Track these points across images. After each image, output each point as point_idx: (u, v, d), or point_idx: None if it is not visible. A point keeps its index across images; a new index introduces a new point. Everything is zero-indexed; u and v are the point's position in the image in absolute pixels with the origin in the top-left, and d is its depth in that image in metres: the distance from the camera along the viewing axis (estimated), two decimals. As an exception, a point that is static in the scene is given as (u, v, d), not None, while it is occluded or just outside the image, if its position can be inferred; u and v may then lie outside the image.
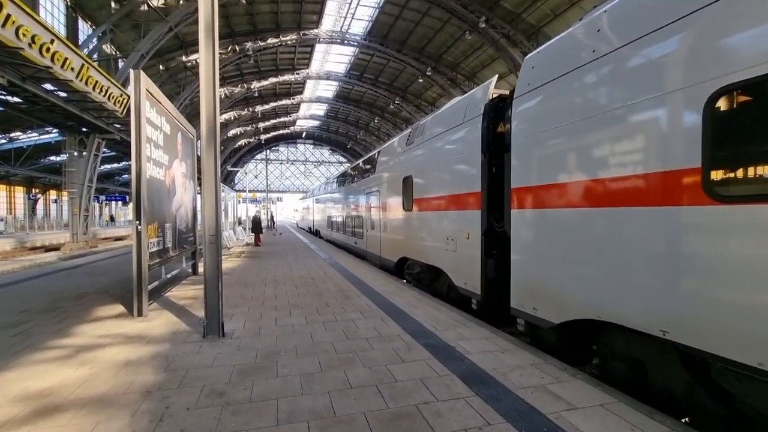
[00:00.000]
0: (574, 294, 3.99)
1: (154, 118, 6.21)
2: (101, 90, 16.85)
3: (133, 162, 5.52)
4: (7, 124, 29.08)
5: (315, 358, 4.05)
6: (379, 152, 11.97)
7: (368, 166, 13.27)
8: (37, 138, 33.57)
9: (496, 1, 23.93)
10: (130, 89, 5.59)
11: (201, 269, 6.76)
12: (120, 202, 48.30)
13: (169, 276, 7.42)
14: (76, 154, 20.83)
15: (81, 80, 15.63)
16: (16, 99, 17.18)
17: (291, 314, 5.87)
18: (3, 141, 33.53)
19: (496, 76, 6.31)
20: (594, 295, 3.73)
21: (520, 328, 4.99)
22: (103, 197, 48.03)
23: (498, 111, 5.83)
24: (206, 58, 4.66)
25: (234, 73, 35.17)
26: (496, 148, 5.71)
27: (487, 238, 5.79)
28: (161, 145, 6.58)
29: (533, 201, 4.62)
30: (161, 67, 27.78)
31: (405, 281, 9.52)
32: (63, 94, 17.41)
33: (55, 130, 28.37)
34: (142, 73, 5.60)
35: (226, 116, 40.73)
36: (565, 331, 4.47)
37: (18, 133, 32.87)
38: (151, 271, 6.14)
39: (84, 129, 20.54)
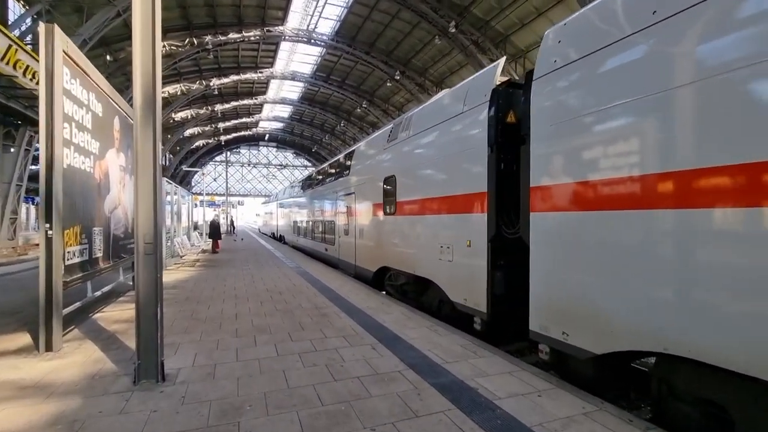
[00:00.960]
0: (627, 319, 3.10)
1: (77, 92, 4.78)
2: (33, 76, 14.62)
3: (41, 145, 4.08)
4: None
5: (293, 416, 2.88)
6: (354, 151, 10.88)
7: (341, 167, 12.13)
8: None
9: (466, 6, 23.69)
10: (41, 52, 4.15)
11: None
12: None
13: (98, 293, 5.91)
14: (1, 149, 18.11)
15: (8, 63, 13.48)
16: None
17: (256, 342, 4.62)
18: None
19: (504, 57, 5.46)
20: (660, 322, 2.85)
21: (544, 356, 4.07)
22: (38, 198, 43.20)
23: (507, 97, 4.95)
24: None
25: (192, 68, 32.81)
26: (505, 140, 4.83)
27: (494, 246, 4.87)
28: (88, 128, 5.13)
29: (564, 202, 3.73)
30: (108, 57, 25.14)
31: (384, 293, 8.46)
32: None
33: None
34: (58, 30, 4.20)
35: (182, 114, 38.00)
36: (603, 362, 3.60)
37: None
38: (70, 288, 4.68)
39: (13, 120, 17.88)
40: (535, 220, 4.07)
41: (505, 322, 5.01)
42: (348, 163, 11.08)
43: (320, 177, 15.49)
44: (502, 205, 4.82)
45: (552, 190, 3.89)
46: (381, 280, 8.81)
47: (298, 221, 19.49)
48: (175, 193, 12.55)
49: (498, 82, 5.06)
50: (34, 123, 17.87)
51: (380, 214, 8.32)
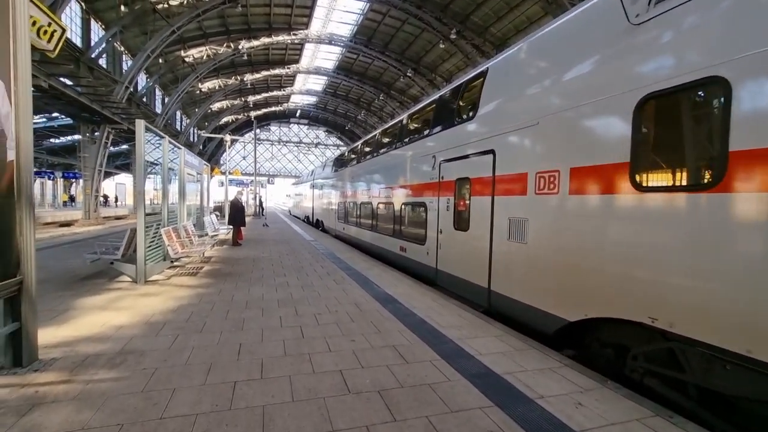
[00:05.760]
0: None
1: None
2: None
3: None
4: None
5: None
6: (485, 73, 5.69)
7: (449, 109, 6.72)
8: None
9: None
10: None
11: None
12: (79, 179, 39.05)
13: None
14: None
15: None
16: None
17: None
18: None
19: None
20: None
21: None
22: (57, 174, 40.71)
23: None
24: None
25: (218, 29, 28.08)
26: None
27: None
28: None
29: None
30: (123, 7, 20.68)
31: (568, 356, 3.50)
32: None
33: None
34: None
35: (209, 84, 33.58)
36: None
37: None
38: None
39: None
40: None
41: None
42: (471, 98, 5.92)
43: (393, 136, 10.01)
44: None
45: None
46: (574, 334, 3.85)
47: (347, 203, 13.96)
48: (173, 159, 7.64)
49: None
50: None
51: (610, 189, 3.27)
